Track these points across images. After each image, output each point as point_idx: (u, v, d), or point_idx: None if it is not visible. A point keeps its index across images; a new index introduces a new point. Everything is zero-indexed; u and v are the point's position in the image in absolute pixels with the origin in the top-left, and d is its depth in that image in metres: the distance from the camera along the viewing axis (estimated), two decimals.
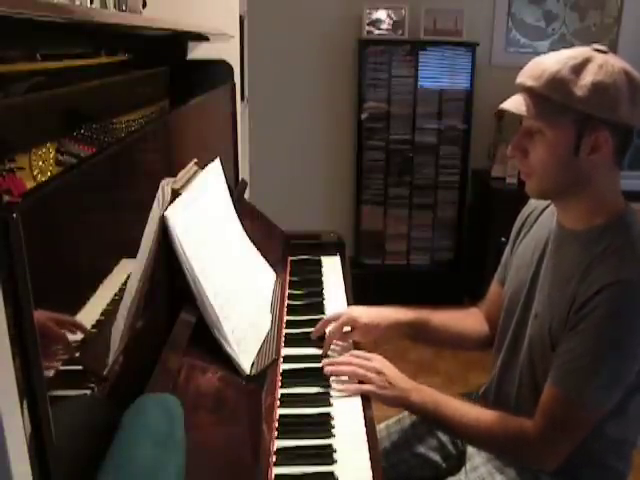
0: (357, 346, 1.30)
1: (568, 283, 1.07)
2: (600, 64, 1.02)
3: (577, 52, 1.05)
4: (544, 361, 1.11)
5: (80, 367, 0.73)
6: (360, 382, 1.16)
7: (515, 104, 1.07)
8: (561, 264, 1.11)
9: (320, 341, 1.30)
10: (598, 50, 1.05)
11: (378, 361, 1.20)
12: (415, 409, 1.19)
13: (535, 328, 1.14)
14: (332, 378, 1.18)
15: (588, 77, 1.01)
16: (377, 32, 3.36)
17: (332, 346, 1.29)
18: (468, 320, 1.41)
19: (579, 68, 1.02)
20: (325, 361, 1.21)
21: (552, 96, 1.02)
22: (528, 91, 1.06)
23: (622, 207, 1.10)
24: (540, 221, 1.24)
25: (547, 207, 1.23)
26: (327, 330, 1.29)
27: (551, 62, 1.04)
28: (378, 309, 1.33)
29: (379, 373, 1.16)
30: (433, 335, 1.36)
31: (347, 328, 1.31)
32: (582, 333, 1.03)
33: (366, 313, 1.31)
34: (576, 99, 1.01)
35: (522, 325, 1.19)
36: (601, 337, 1.02)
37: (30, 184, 0.81)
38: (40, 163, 0.86)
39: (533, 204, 1.29)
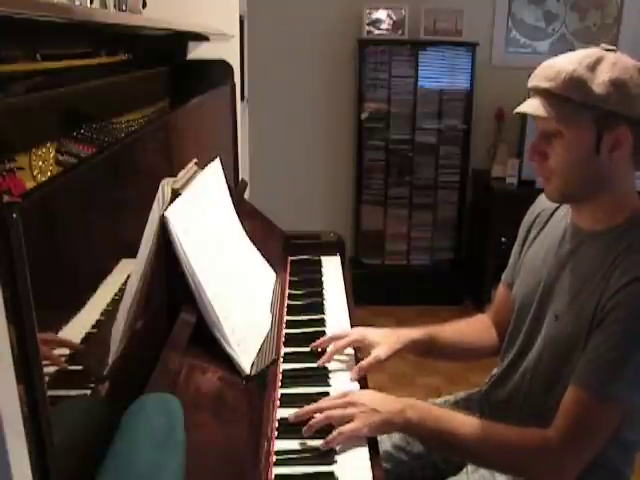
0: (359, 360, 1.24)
1: (593, 281, 1.06)
2: (613, 62, 1.02)
3: (588, 52, 1.05)
4: (562, 362, 1.09)
5: (80, 367, 0.73)
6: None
7: (533, 107, 1.05)
8: (582, 265, 1.10)
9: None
10: (608, 49, 1.06)
11: (352, 394, 1.08)
12: (413, 428, 1.07)
13: (555, 329, 1.12)
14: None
15: (604, 74, 1.01)
16: (377, 32, 3.36)
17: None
18: (476, 330, 1.38)
19: (593, 66, 1.02)
20: (290, 416, 1.05)
21: (571, 96, 1.02)
22: (544, 93, 1.05)
23: (639, 206, 1.10)
24: (552, 222, 1.22)
25: (558, 207, 1.22)
26: (330, 347, 1.25)
27: (565, 63, 1.03)
28: (388, 330, 1.28)
29: (357, 405, 1.04)
30: (443, 351, 1.34)
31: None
32: (608, 329, 1.01)
33: (379, 334, 1.26)
34: (596, 97, 1.00)
35: (536, 327, 1.17)
36: (627, 332, 1.00)
37: (30, 184, 0.82)
38: (40, 163, 0.86)
39: (541, 204, 1.26)
